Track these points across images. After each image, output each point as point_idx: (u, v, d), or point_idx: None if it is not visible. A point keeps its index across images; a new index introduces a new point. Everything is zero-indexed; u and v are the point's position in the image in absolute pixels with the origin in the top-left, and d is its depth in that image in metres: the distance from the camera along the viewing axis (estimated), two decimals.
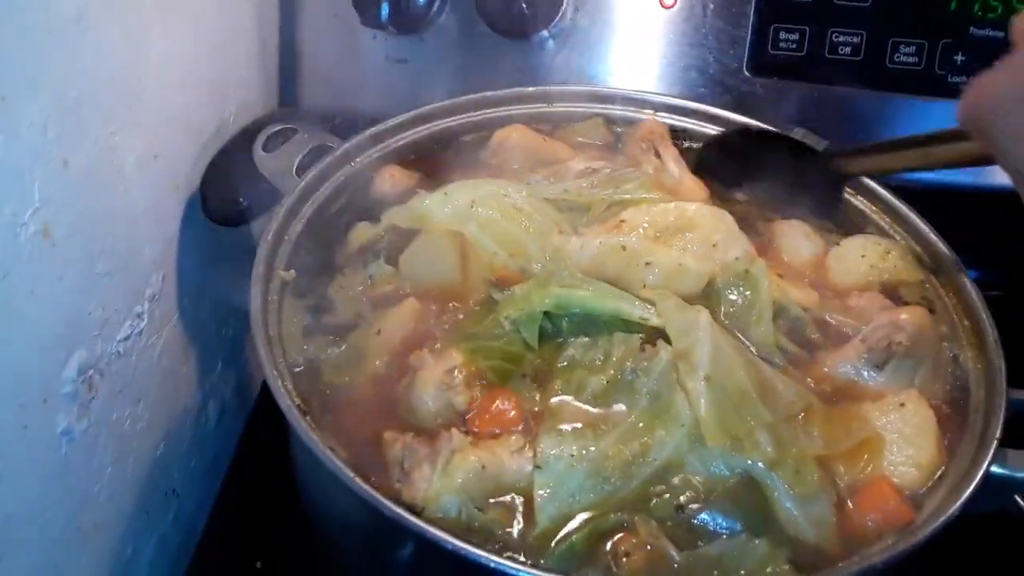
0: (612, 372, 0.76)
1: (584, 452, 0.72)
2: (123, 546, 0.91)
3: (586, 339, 0.79)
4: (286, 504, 0.92)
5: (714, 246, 0.86)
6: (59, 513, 0.79)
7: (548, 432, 0.73)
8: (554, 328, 0.81)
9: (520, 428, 0.75)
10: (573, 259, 0.84)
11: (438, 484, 0.69)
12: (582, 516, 0.70)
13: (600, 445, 0.72)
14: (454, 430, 0.73)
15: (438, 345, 0.80)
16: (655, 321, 0.79)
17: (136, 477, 0.92)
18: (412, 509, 0.69)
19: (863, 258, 0.93)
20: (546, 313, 0.80)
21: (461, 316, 0.83)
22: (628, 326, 0.79)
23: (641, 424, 0.73)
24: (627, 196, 0.92)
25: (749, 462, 0.72)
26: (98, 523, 0.85)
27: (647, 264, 0.83)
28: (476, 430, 0.75)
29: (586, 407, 0.75)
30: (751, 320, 0.83)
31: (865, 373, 0.82)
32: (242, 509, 1.10)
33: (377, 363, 0.81)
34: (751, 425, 0.72)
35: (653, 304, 0.80)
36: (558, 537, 0.69)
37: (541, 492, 0.70)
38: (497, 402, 0.77)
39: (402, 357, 0.80)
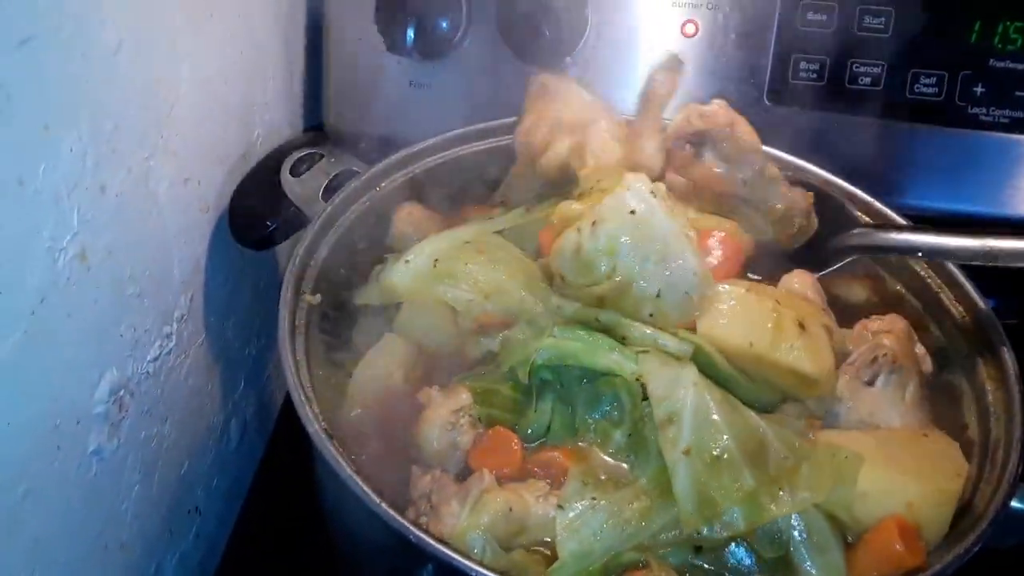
0: (629, 424, 0.77)
1: (607, 497, 0.73)
2: (147, 563, 0.92)
3: (589, 386, 0.79)
4: (307, 524, 0.93)
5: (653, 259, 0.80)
6: (87, 531, 0.81)
7: (574, 477, 0.75)
8: (552, 375, 0.80)
9: (519, 469, 0.77)
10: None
11: (466, 521, 0.71)
12: (602, 555, 0.71)
13: (622, 493, 0.74)
14: (485, 471, 0.74)
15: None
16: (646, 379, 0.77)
17: (161, 495, 0.93)
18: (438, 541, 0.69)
19: None
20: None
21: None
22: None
23: (655, 478, 0.74)
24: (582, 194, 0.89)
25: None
26: (123, 541, 0.87)
27: (623, 338, 0.80)
28: (473, 465, 0.77)
29: (608, 459, 0.77)
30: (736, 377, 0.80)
31: (856, 404, 0.82)
32: (263, 528, 1.11)
33: (356, 408, 0.82)
34: (727, 503, 0.71)
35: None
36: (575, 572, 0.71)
37: (563, 529, 0.72)
38: (496, 440, 0.78)
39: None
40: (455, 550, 0.68)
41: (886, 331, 0.84)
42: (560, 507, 0.73)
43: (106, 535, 0.84)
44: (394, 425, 0.81)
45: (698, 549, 0.73)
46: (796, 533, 0.73)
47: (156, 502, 0.92)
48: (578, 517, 0.72)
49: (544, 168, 0.95)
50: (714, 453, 0.72)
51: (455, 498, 0.72)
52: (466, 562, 0.67)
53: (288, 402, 1.22)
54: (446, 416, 0.78)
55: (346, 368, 0.86)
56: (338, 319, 0.90)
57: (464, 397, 0.79)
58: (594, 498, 0.73)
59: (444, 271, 0.86)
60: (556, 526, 0.72)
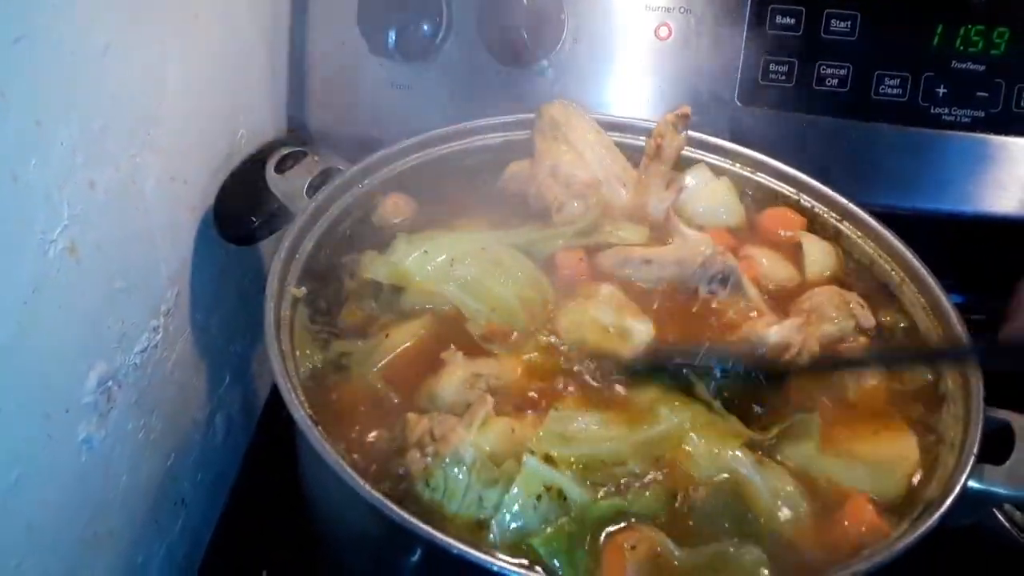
0: None
1: (599, 410, 0.80)
2: (134, 554, 0.94)
3: None
4: (290, 517, 0.95)
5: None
6: (76, 520, 0.82)
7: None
8: None
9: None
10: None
11: (473, 439, 0.75)
12: (583, 450, 0.76)
13: (612, 412, 0.80)
14: (487, 396, 0.79)
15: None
16: None
17: (148, 487, 0.95)
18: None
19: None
20: None
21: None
22: None
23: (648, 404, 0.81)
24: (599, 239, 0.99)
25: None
26: (112, 530, 0.88)
27: None
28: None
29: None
30: None
31: None
32: (247, 521, 1.13)
33: (381, 363, 0.86)
34: None
35: None
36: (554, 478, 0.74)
37: (553, 418, 0.77)
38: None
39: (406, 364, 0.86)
40: (441, 531, 0.70)
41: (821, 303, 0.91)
42: (555, 408, 0.79)
43: (95, 524, 0.85)
44: (409, 383, 0.84)
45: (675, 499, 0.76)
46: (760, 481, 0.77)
47: (143, 493, 0.94)
48: (570, 414, 0.78)
49: (558, 222, 1.00)
50: None
51: (460, 425, 0.76)
52: (451, 541, 0.69)
53: (272, 398, 1.25)
54: (467, 376, 0.82)
55: (332, 346, 0.88)
56: (326, 303, 0.92)
57: (485, 365, 0.83)
58: (587, 410, 0.79)
59: (459, 274, 0.90)
60: (547, 418, 0.77)
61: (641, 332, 0.88)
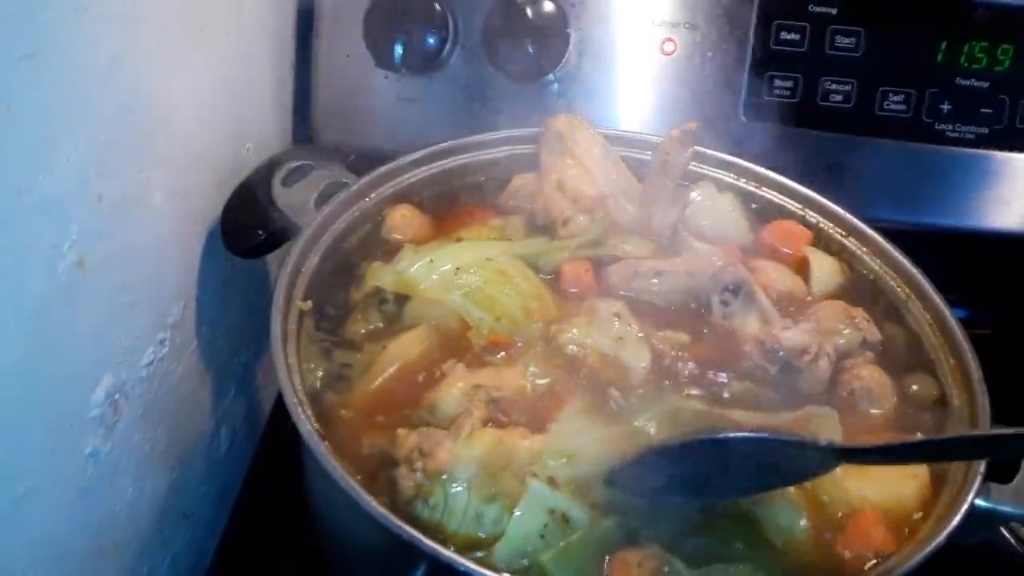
0: None
1: (601, 421, 0.80)
2: (139, 566, 0.94)
3: None
4: (295, 530, 0.94)
5: None
6: (83, 533, 0.82)
7: (571, 406, 0.82)
8: None
9: None
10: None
11: (460, 451, 0.75)
12: (588, 462, 0.76)
13: (611, 428, 0.80)
14: (473, 408, 0.79)
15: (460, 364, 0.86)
16: None
17: (153, 499, 0.95)
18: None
19: None
20: None
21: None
22: None
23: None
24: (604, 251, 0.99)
25: None
26: (117, 543, 0.88)
27: None
28: None
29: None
30: None
31: None
32: (252, 533, 1.13)
33: (379, 377, 0.86)
34: None
35: None
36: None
37: (556, 434, 0.78)
38: None
39: (409, 371, 0.87)
40: (448, 547, 0.70)
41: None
42: (555, 422, 0.79)
43: (101, 536, 0.85)
44: (410, 395, 0.84)
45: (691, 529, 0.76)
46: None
47: (148, 505, 0.94)
48: (571, 429, 0.78)
49: (563, 236, 1.01)
50: None
51: (447, 438, 0.76)
52: (458, 558, 0.69)
53: (276, 410, 1.25)
54: (467, 387, 0.82)
55: (337, 359, 0.89)
56: (333, 316, 0.93)
57: (485, 376, 0.83)
58: (588, 425, 0.79)
59: (464, 283, 0.90)
60: (551, 431, 0.77)
61: (638, 368, 0.88)
